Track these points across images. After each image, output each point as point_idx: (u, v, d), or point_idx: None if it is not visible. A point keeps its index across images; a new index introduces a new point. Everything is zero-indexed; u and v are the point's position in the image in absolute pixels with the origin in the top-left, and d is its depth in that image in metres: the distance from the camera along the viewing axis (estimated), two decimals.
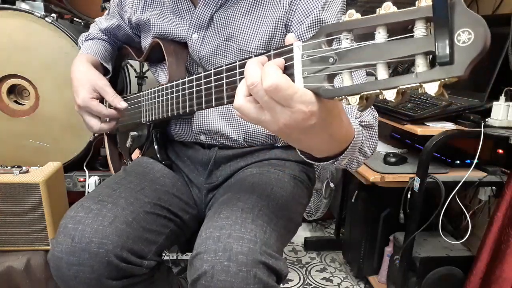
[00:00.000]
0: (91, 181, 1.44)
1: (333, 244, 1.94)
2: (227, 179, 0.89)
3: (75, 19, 1.55)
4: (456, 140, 1.50)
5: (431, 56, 0.35)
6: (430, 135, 1.18)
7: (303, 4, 0.72)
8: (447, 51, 0.33)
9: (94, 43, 0.99)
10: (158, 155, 0.91)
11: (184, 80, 0.67)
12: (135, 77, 1.49)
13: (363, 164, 0.66)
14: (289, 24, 0.75)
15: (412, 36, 0.35)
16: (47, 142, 1.40)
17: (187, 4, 0.82)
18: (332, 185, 1.88)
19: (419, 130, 1.19)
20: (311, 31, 0.73)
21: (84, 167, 1.47)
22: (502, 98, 1.20)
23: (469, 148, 1.37)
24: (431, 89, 0.34)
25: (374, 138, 0.69)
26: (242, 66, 0.51)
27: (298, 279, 1.68)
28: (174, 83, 0.71)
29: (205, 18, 0.80)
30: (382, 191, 1.35)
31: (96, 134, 1.42)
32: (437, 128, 1.20)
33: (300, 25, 0.74)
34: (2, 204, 1.17)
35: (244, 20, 0.77)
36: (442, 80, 0.34)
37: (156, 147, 0.91)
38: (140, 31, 0.95)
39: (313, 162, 0.61)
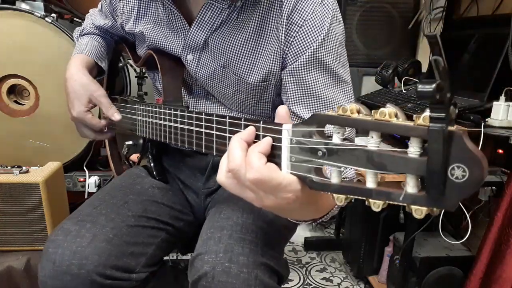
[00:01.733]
0: (91, 181, 1.44)
1: (333, 244, 1.94)
2: None
3: (75, 19, 1.55)
4: None
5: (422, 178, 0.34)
6: None
7: (299, 38, 0.68)
8: (439, 185, 0.31)
9: (89, 40, 0.95)
10: (153, 172, 0.89)
11: (176, 113, 0.66)
12: (135, 77, 1.48)
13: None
14: (284, 57, 0.71)
15: (406, 152, 0.34)
16: (47, 142, 1.40)
17: (182, 23, 0.77)
18: None
19: None
20: (306, 67, 0.69)
21: (84, 167, 1.47)
22: (502, 98, 1.20)
23: None
24: (417, 213, 0.34)
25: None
26: (232, 125, 0.51)
27: (298, 279, 1.68)
28: (167, 111, 0.69)
29: (199, 41, 0.76)
30: None
31: None
32: None
33: (295, 60, 0.69)
34: (2, 204, 1.17)
35: (241, 50, 0.73)
36: (429, 209, 0.33)
37: (152, 164, 0.89)
38: (134, 37, 0.91)
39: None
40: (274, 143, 0.44)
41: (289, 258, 1.85)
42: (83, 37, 0.98)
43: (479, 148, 1.16)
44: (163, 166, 0.92)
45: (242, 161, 0.42)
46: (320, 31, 0.67)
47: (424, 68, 1.69)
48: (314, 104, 0.71)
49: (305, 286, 1.64)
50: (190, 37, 0.76)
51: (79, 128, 0.90)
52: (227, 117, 0.52)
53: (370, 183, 0.36)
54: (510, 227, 1.16)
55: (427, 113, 0.32)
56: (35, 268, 1.20)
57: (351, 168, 0.38)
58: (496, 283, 1.18)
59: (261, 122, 0.46)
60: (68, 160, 1.42)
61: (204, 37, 0.75)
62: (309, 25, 0.67)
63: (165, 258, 1.59)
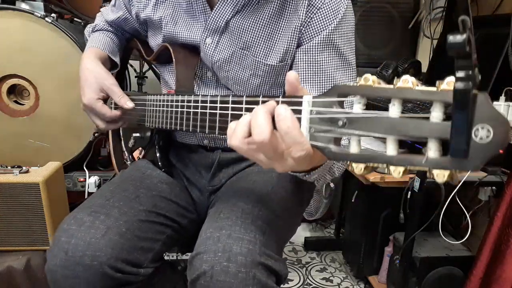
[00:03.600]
0: (91, 181, 1.44)
1: (333, 244, 1.94)
2: (229, 178, 0.89)
3: (75, 19, 1.55)
4: None
5: (444, 142, 0.34)
6: None
7: (316, 20, 0.73)
8: (463, 146, 0.31)
9: (102, 35, 0.96)
10: (159, 163, 0.89)
11: (190, 98, 0.66)
12: (135, 77, 1.49)
13: (327, 181, 0.67)
14: (300, 36, 0.75)
15: (428, 118, 0.34)
16: (47, 142, 1.40)
17: (203, 6, 0.78)
18: (332, 185, 1.88)
19: None
20: (319, 47, 0.73)
21: (84, 167, 1.47)
22: (502, 98, 1.20)
23: None
24: (440, 177, 0.33)
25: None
26: (249, 102, 0.51)
27: (298, 279, 1.68)
28: (180, 97, 0.70)
29: (221, 23, 0.77)
30: (382, 191, 1.35)
31: (96, 134, 1.42)
32: None
33: (310, 40, 0.74)
34: (2, 204, 1.17)
35: (262, 33, 0.76)
36: (452, 171, 0.33)
37: (158, 154, 0.90)
38: (147, 28, 0.92)
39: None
40: (295, 115, 0.44)
41: (289, 258, 1.85)
42: (95, 33, 0.99)
43: None
44: (169, 159, 0.93)
45: (270, 136, 0.43)
46: (336, 15, 0.72)
47: (424, 68, 1.69)
48: (323, 84, 0.74)
49: (305, 286, 1.64)
50: (212, 19, 0.78)
51: (90, 117, 0.89)
52: (244, 96, 0.52)
53: (391, 150, 0.36)
54: (510, 227, 1.16)
55: (449, 78, 0.32)
56: (35, 268, 1.20)
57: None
58: (496, 283, 1.18)
59: (280, 96, 0.47)
60: (68, 160, 1.42)
61: (226, 19, 0.77)
62: (327, 9, 0.72)
63: (165, 258, 1.59)
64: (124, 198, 0.75)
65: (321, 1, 0.73)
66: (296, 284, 1.65)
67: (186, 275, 0.66)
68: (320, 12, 0.73)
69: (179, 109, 0.70)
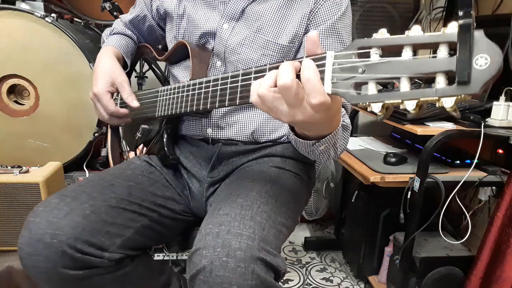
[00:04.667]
0: None
1: (333, 244, 1.94)
2: (229, 174, 0.90)
3: (75, 19, 1.55)
4: (456, 140, 1.50)
5: (449, 75, 0.39)
6: (430, 135, 1.18)
7: (324, 8, 0.82)
8: (466, 71, 0.37)
9: (118, 38, 1.02)
10: (165, 149, 0.93)
11: (208, 78, 0.69)
12: (135, 77, 1.49)
13: (330, 159, 0.72)
14: (308, 23, 0.83)
15: (435, 56, 0.40)
16: (47, 142, 1.40)
17: None
18: (332, 185, 1.88)
19: (419, 130, 1.19)
20: (325, 34, 0.82)
21: (84, 167, 1.47)
22: (502, 98, 1.21)
23: (469, 148, 1.37)
24: (448, 103, 0.39)
25: (346, 140, 0.75)
26: (272, 68, 0.55)
27: (298, 279, 1.68)
28: (198, 80, 0.73)
29: (237, 10, 0.85)
30: (382, 191, 1.35)
31: (96, 134, 1.42)
32: (437, 128, 1.20)
33: (317, 27, 0.83)
34: (2, 204, 1.17)
35: (274, 16, 0.84)
36: (459, 97, 0.38)
37: (165, 141, 0.94)
38: (165, 23, 0.99)
39: (294, 137, 0.65)
40: (318, 69, 0.49)
41: (289, 258, 1.85)
42: (113, 35, 1.04)
43: (479, 148, 1.17)
44: (174, 149, 0.97)
45: (294, 81, 0.49)
46: (340, 7, 0.83)
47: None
48: None
49: (305, 286, 1.64)
50: (230, 7, 0.86)
51: (96, 106, 0.93)
52: (268, 64, 0.57)
53: (405, 87, 0.42)
54: (510, 227, 1.16)
55: (452, 23, 0.39)
56: None
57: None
58: (496, 283, 1.18)
59: (304, 56, 0.52)
60: (68, 160, 1.42)
61: (242, 6, 0.85)
62: (333, 1, 0.82)
63: (166, 258, 1.59)
64: (97, 185, 0.79)
65: None
66: (296, 284, 1.65)
67: (184, 276, 0.66)
68: (327, 3, 0.82)
69: (196, 91, 0.74)
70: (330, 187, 1.88)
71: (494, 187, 1.34)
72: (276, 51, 0.85)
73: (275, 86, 0.51)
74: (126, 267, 0.78)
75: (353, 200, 1.64)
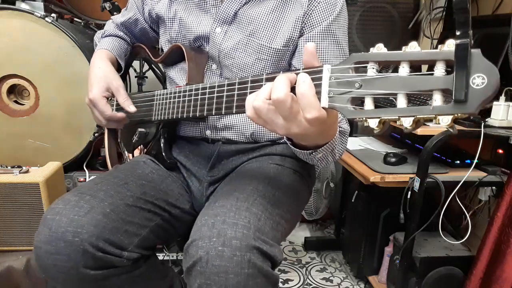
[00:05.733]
0: None
1: (333, 244, 1.94)
2: (228, 173, 0.91)
3: (75, 19, 1.55)
4: (456, 140, 1.50)
5: (446, 93, 0.39)
6: (430, 135, 1.18)
7: (318, 10, 0.81)
8: (463, 90, 0.37)
9: (111, 40, 1.02)
10: (163, 153, 0.92)
11: (205, 85, 0.69)
12: (135, 77, 1.49)
13: (329, 164, 0.71)
14: (303, 26, 0.82)
15: (432, 74, 0.40)
16: (47, 142, 1.40)
17: (214, 0, 0.85)
18: (332, 185, 1.88)
19: (419, 130, 1.19)
20: (320, 36, 0.81)
21: (84, 167, 1.47)
22: (502, 98, 1.20)
23: (469, 148, 1.37)
24: (444, 121, 0.39)
25: (344, 144, 0.75)
26: (269, 79, 0.56)
27: (298, 279, 1.68)
28: (194, 86, 0.73)
29: (230, 13, 0.84)
30: (382, 191, 1.35)
31: (96, 134, 1.42)
32: (437, 128, 1.20)
33: (311, 29, 0.82)
34: (2, 204, 1.17)
35: (267, 19, 0.83)
36: (456, 115, 0.39)
37: (162, 146, 0.93)
38: (158, 26, 0.98)
39: (293, 148, 0.66)
40: (314, 82, 0.49)
41: (289, 258, 1.85)
42: (105, 38, 1.04)
43: (479, 148, 1.17)
44: (172, 153, 0.97)
45: (288, 96, 0.49)
46: (334, 8, 0.81)
47: (424, 68, 1.69)
48: None
49: (305, 286, 1.64)
50: (222, 10, 0.84)
51: (93, 112, 0.93)
52: (264, 74, 0.57)
53: (402, 104, 0.42)
54: (510, 227, 1.16)
55: (449, 41, 0.39)
56: (35, 268, 1.20)
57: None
58: (496, 283, 1.18)
59: (301, 68, 0.52)
60: (68, 160, 1.42)
61: (235, 9, 0.84)
62: (326, 2, 0.81)
63: (166, 258, 1.59)
64: (113, 183, 0.78)
65: None
66: (296, 284, 1.65)
67: (183, 277, 0.66)
68: (320, 5, 0.81)
69: (193, 97, 0.73)
70: (330, 187, 1.88)
71: (494, 187, 1.34)
72: (270, 55, 0.84)
73: (270, 98, 0.51)
74: (141, 268, 0.78)
75: (353, 200, 1.64)
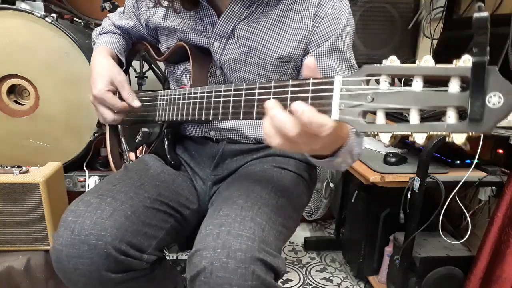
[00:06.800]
0: (91, 181, 1.44)
1: (333, 244, 1.94)
2: (232, 173, 0.91)
3: (75, 19, 1.55)
4: None
5: (460, 110, 0.38)
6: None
7: (323, 27, 0.78)
8: (479, 109, 0.36)
9: (109, 37, 0.99)
10: (167, 155, 0.92)
11: (211, 89, 0.68)
12: (135, 77, 1.48)
13: (347, 167, 0.72)
14: (308, 44, 0.80)
15: (446, 90, 0.39)
16: (47, 142, 1.40)
17: (211, 15, 0.83)
18: (332, 185, 1.88)
19: None
20: (327, 53, 0.79)
21: (84, 167, 1.47)
22: None
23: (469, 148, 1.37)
24: (458, 139, 0.38)
25: (360, 145, 0.73)
26: (277, 87, 0.55)
27: (298, 279, 1.68)
28: (199, 89, 0.72)
29: (227, 30, 0.82)
30: (382, 191, 1.35)
31: (96, 134, 1.42)
32: None
33: (318, 47, 0.79)
34: (2, 204, 1.17)
35: (266, 36, 0.80)
36: (470, 134, 0.38)
37: (166, 147, 0.93)
38: (157, 34, 0.95)
39: (311, 159, 0.64)
40: (325, 93, 0.48)
41: (289, 258, 1.85)
42: (103, 35, 1.02)
43: (479, 148, 1.16)
44: (176, 153, 0.96)
45: (298, 134, 0.48)
46: (339, 23, 0.78)
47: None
48: None
49: (305, 286, 1.64)
50: (219, 26, 0.82)
51: (98, 108, 0.89)
52: (273, 81, 0.56)
53: (415, 120, 0.41)
54: (510, 227, 1.16)
55: (465, 56, 0.38)
56: (35, 268, 1.20)
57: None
58: (496, 283, 1.18)
59: (311, 78, 0.50)
60: (68, 160, 1.42)
61: (232, 26, 0.81)
62: (330, 18, 0.78)
63: (166, 258, 1.59)
64: (130, 184, 0.77)
65: (324, 11, 0.78)
66: (296, 284, 1.65)
67: (184, 276, 0.66)
68: (324, 21, 0.78)
69: (198, 100, 0.72)
70: (330, 187, 1.88)
71: (494, 187, 1.34)
72: (271, 71, 0.83)
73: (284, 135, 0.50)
74: (157, 270, 0.78)
75: (353, 200, 1.64)
